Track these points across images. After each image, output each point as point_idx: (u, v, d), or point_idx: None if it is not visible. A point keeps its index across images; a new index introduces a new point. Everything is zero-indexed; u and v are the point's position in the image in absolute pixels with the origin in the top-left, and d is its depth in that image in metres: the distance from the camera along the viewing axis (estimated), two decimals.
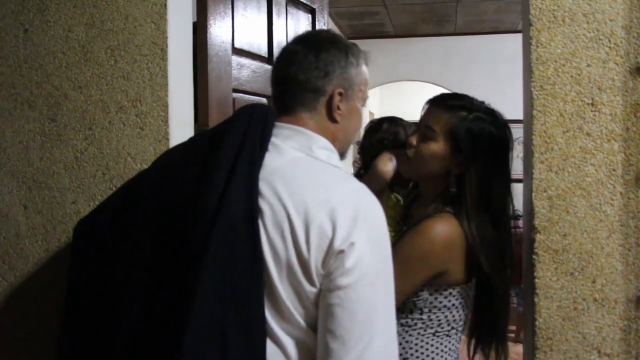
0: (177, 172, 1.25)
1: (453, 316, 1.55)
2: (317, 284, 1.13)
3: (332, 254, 1.11)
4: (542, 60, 1.62)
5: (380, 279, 1.15)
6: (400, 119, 1.83)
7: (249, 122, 1.22)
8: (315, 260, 1.11)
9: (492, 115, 1.58)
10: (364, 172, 1.81)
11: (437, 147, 1.54)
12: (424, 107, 1.63)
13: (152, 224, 1.21)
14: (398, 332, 1.51)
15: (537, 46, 1.62)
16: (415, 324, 1.54)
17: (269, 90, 2.29)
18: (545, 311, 1.60)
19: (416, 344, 1.54)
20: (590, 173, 1.60)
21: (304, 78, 1.27)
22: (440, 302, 1.52)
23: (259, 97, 2.25)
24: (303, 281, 1.13)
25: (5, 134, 1.89)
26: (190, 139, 1.36)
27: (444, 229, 1.48)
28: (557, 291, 1.60)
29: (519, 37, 1.79)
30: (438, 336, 1.55)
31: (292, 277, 1.13)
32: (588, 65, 1.60)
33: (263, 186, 1.16)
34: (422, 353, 1.54)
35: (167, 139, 1.78)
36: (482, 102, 1.62)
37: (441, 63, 7.04)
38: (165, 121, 1.79)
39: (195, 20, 1.99)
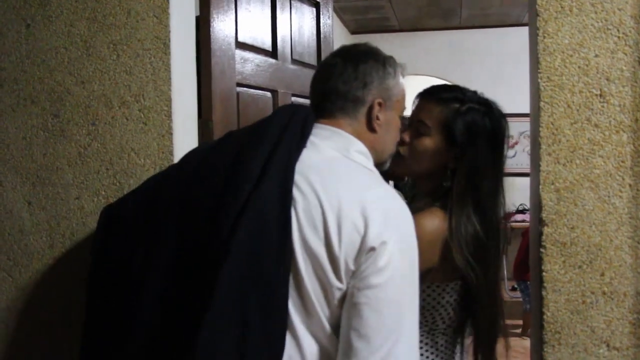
0: (209, 161, 1.26)
1: (448, 314, 1.49)
2: (345, 282, 1.12)
3: (363, 251, 1.11)
4: (549, 51, 1.60)
5: (408, 282, 1.15)
6: None
7: (290, 119, 1.25)
8: (345, 256, 1.11)
9: (485, 105, 1.53)
10: None
11: (432, 142, 1.50)
12: (414, 102, 1.59)
13: (180, 213, 1.21)
14: None
15: (544, 37, 1.60)
16: None
17: (273, 85, 2.29)
18: (554, 305, 1.58)
19: None
20: (599, 165, 1.58)
21: (344, 89, 1.30)
22: (434, 299, 1.47)
23: (263, 91, 2.24)
24: (331, 276, 1.12)
25: (8, 130, 1.88)
26: (226, 135, 1.37)
27: (431, 224, 1.42)
28: (565, 284, 1.58)
29: (524, 30, 1.77)
30: (433, 334, 1.51)
31: (320, 271, 1.12)
32: (596, 56, 1.58)
33: (299, 178, 1.16)
34: (422, 354, 1.50)
35: (171, 134, 1.77)
36: (475, 92, 1.56)
37: (446, 57, 7.01)
38: (169, 116, 1.78)
39: (198, 14, 1.98)
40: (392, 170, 1.52)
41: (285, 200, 1.13)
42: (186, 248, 1.17)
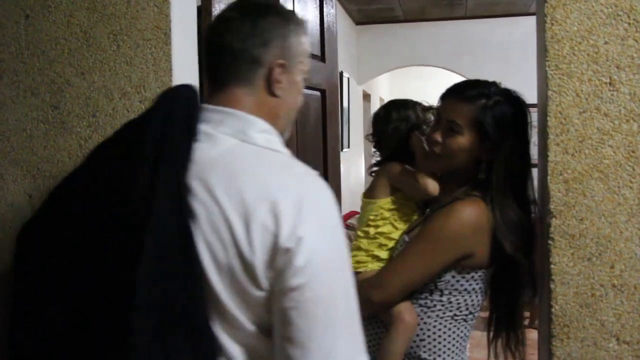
0: (100, 174, 1.14)
1: (472, 300, 1.55)
2: (266, 287, 1.03)
3: (278, 253, 1.00)
4: (557, 38, 1.56)
5: (337, 272, 1.05)
6: (403, 101, 1.78)
7: (171, 108, 1.10)
8: (260, 261, 1.01)
9: (509, 96, 1.58)
10: (383, 161, 1.77)
11: (465, 139, 1.54)
12: (440, 101, 1.62)
13: (81, 232, 1.11)
14: (417, 312, 1.51)
15: (552, 24, 1.56)
16: (435, 305, 1.54)
17: None
18: (562, 298, 1.56)
19: (434, 326, 1.54)
20: (608, 155, 1.55)
21: (240, 47, 1.15)
22: (462, 285, 1.53)
23: None
24: (249, 286, 1.02)
25: (9, 122, 1.86)
26: (115, 133, 1.23)
27: (474, 212, 1.49)
28: (574, 277, 1.56)
29: (530, 19, 1.75)
30: (456, 320, 1.55)
31: (236, 284, 1.03)
32: (606, 43, 1.55)
33: (196, 185, 1.05)
34: (440, 336, 1.54)
35: None
36: (495, 83, 1.61)
37: (452, 47, 6.96)
38: None
39: (199, 3, 1.95)
40: (427, 168, 1.60)
41: (184, 232, 1.01)
42: (91, 280, 1.08)
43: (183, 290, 1.01)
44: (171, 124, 1.08)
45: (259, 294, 1.03)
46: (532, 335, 1.82)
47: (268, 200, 1.01)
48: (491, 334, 1.62)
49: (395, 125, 1.72)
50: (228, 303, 1.04)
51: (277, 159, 1.11)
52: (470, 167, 1.57)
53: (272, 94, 1.17)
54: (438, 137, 1.56)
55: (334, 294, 1.03)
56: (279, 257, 1.00)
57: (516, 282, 1.56)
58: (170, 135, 1.07)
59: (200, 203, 1.04)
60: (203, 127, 1.11)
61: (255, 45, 1.14)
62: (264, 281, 1.02)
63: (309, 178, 1.10)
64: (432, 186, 1.59)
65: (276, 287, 1.02)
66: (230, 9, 1.22)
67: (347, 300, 1.06)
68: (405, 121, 1.72)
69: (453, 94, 1.58)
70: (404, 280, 1.51)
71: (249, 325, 1.05)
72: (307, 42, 1.24)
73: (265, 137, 1.14)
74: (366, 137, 1.94)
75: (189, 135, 1.08)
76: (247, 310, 1.05)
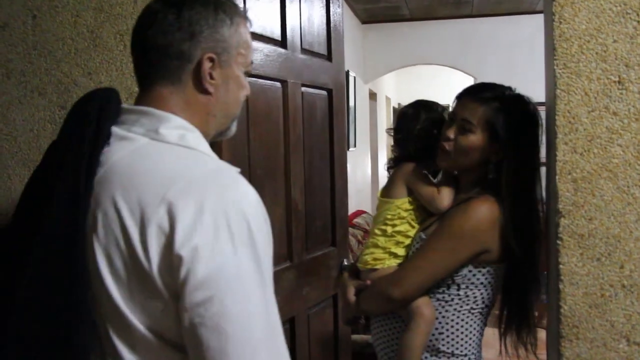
0: (31, 181, 1.10)
1: (488, 294, 1.59)
2: (166, 296, 0.94)
3: (174, 260, 0.91)
4: (566, 37, 1.55)
5: (251, 285, 0.94)
6: (432, 102, 1.78)
7: (83, 115, 1.04)
8: (156, 267, 0.92)
9: (521, 101, 1.61)
10: (402, 159, 1.76)
11: (476, 138, 1.57)
12: (455, 101, 1.66)
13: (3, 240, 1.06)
14: (435, 306, 1.53)
15: (560, 22, 1.55)
16: (452, 299, 1.58)
17: (282, 75, 2.26)
18: (571, 298, 1.55)
19: (452, 320, 1.58)
20: (617, 154, 1.53)
21: (164, 42, 1.05)
22: (478, 279, 1.57)
23: (272, 82, 2.21)
24: (148, 295, 0.94)
25: (16, 123, 1.87)
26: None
27: (490, 209, 1.53)
28: (583, 277, 1.55)
29: (537, 17, 1.74)
30: (473, 313, 1.59)
31: (135, 293, 0.95)
32: (614, 41, 1.54)
33: (99, 190, 0.98)
34: (457, 329, 1.58)
35: None
36: (509, 88, 1.64)
37: (458, 46, 6.92)
38: None
39: None
40: (439, 165, 1.65)
41: (72, 240, 0.94)
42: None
43: (63, 300, 0.94)
44: (80, 129, 1.02)
45: (158, 304, 0.94)
46: (541, 335, 1.81)
47: (166, 201, 0.93)
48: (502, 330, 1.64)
49: (423, 125, 1.72)
50: (128, 315, 0.96)
51: (186, 157, 1.01)
52: (480, 166, 1.60)
53: (203, 91, 1.08)
54: (451, 134, 1.59)
55: (248, 310, 0.93)
56: (175, 265, 0.91)
57: (525, 280, 1.58)
58: (76, 141, 1.00)
59: (100, 209, 0.97)
60: (116, 129, 1.04)
61: (180, 40, 1.05)
62: (163, 290, 0.93)
63: (222, 179, 0.99)
64: (443, 205, 1.61)
65: (180, 301, 0.92)
66: (154, 0, 1.11)
67: (268, 317, 0.95)
68: (433, 122, 1.72)
69: (469, 95, 1.62)
70: (423, 276, 1.55)
71: (151, 338, 0.96)
72: (246, 31, 1.13)
73: (179, 133, 1.04)
74: (387, 131, 1.94)
75: (96, 139, 1.01)
76: (149, 321, 0.96)
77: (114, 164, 1.00)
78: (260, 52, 2.14)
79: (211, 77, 1.08)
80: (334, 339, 2.64)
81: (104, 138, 1.02)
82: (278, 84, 2.24)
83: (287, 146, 2.28)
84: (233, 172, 1.01)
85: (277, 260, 2.26)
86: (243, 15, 1.13)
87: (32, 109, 1.86)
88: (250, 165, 2.08)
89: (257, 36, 2.14)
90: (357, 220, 5.62)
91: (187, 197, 0.93)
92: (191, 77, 1.07)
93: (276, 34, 2.25)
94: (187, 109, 1.08)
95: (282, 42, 2.27)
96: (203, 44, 1.06)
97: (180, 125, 1.05)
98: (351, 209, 5.70)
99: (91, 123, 1.01)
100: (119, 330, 0.97)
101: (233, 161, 1.99)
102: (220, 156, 1.95)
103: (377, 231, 1.70)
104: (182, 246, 0.91)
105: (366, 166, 7.45)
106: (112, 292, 0.96)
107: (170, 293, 0.93)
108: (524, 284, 1.59)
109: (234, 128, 1.19)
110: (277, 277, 2.24)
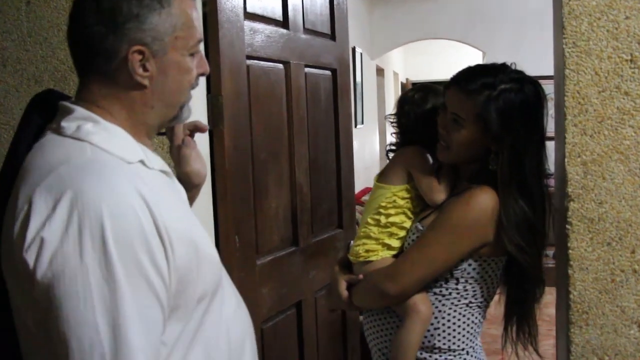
0: None
1: (487, 288, 1.53)
2: (12, 294, 0.93)
3: (12, 253, 0.88)
4: (575, 14, 1.50)
5: (95, 287, 0.85)
6: (437, 88, 1.71)
7: (24, 116, 1.05)
8: (13, 271, 0.90)
9: (518, 82, 1.46)
10: (403, 144, 1.70)
11: (468, 133, 1.47)
12: (444, 90, 1.55)
13: None
14: (431, 301, 1.48)
15: None
16: (450, 293, 1.51)
17: (284, 56, 2.22)
18: (580, 284, 1.52)
19: (449, 314, 1.52)
20: (629, 136, 1.49)
21: (85, 38, 0.98)
22: (478, 273, 1.50)
23: (274, 63, 2.17)
24: (19, 306, 0.91)
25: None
26: None
27: (491, 199, 1.45)
28: (593, 262, 1.52)
29: None
30: (470, 307, 1.52)
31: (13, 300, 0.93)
32: (626, 18, 1.48)
33: (13, 197, 0.95)
34: (454, 324, 1.52)
35: None
36: (504, 68, 1.49)
37: (467, 20, 6.82)
38: None
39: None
40: (439, 160, 1.56)
41: None
42: None
43: None
44: (18, 131, 1.03)
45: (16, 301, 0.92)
46: (551, 311, 1.77)
47: (29, 198, 0.89)
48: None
49: (430, 110, 1.65)
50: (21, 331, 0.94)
51: (67, 150, 0.95)
52: (480, 157, 1.51)
53: (136, 85, 1.00)
54: (443, 130, 1.51)
55: (87, 323, 0.85)
56: (16, 259, 0.87)
57: (525, 274, 1.50)
58: (12, 142, 1.01)
59: (9, 207, 0.94)
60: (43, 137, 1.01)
61: (101, 35, 0.97)
62: (10, 287, 0.92)
63: (88, 173, 0.91)
64: (439, 198, 1.55)
65: (18, 299, 0.90)
66: None
67: (117, 331, 0.86)
68: (439, 108, 1.65)
69: (456, 86, 1.50)
70: (422, 272, 1.47)
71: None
72: (180, 13, 1.02)
73: (76, 124, 0.97)
74: (386, 117, 1.87)
75: (24, 139, 1.00)
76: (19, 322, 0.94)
77: (25, 161, 0.97)
78: (262, 33, 2.10)
79: (145, 69, 0.99)
80: (342, 321, 2.63)
81: (30, 139, 1.00)
82: (280, 66, 2.21)
83: (290, 129, 2.24)
84: (110, 165, 0.94)
85: (282, 244, 2.27)
86: None
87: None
88: (253, 149, 2.05)
89: (257, 17, 2.09)
90: (366, 197, 5.60)
91: (48, 192, 0.88)
92: (120, 72, 0.99)
93: (277, 14, 2.21)
94: (121, 105, 1.02)
95: (284, 23, 2.23)
96: (128, 36, 0.97)
97: (82, 116, 0.99)
98: (359, 187, 5.66)
99: (22, 126, 1.03)
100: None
101: (235, 146, 1.99)
102: (222, 142, 1.93)
103: (370, 220, 1.60)
104: (28, 247, 0.86)
105: (374, 143, 7.41)
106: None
107: (12, 289, 0.92)
108: (524, 279, 1.51)
109: (186, 113, 1.11)
110: (283, 261, 2.25)
